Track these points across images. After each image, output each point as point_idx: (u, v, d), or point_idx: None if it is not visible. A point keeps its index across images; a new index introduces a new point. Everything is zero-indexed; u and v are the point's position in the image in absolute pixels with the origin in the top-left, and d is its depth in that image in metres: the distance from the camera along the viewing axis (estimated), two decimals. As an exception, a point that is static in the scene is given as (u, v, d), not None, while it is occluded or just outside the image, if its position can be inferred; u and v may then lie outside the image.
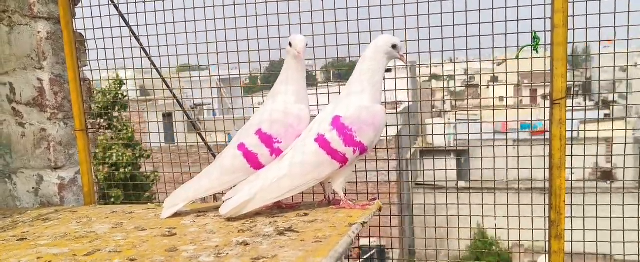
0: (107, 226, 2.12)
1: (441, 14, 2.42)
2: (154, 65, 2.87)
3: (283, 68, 2.21)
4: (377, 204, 2.18)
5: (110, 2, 2.83)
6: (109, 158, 10.15)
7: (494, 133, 3.02)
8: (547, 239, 2.33)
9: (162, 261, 1.61)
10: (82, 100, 2.76)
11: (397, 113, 3.91)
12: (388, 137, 2.82)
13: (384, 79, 2.20)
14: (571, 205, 2.40)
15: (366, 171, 2.71)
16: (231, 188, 2.10)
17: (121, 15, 2.78)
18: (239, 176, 2.10)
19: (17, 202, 2.85)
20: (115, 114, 10.86)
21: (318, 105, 2.70)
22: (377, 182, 2.77)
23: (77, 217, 2.34)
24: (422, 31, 2.48)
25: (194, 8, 2.69)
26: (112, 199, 9.39)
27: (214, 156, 2.96)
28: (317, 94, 2.76)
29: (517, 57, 2.35)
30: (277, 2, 2.60)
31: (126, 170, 9.43)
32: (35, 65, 2.70)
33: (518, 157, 2.57)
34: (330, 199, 2.20)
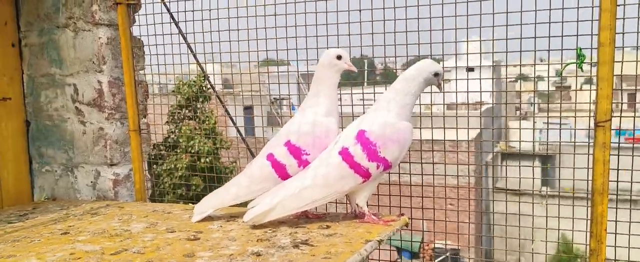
0: (142, 224, 2.25)
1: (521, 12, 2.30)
2: (198, 63, 2.99)
3: (316, 80, 2.23)
4: (404, 219, 2.17)
5: (167, 10, 2.97)
6: (191, 147, 10.61)
7: (588, 137, 2.78)
8: (586, 267, 2.21)
9: (177, 266, 1.69)
10: (136, 102, 2.93)
11: (478, 115, 3.78)
12: (469, 140, 2.75)
13: (417, 101, 2.16)
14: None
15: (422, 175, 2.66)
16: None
17: (174, 20, 2.92)
18: (267, 185, 2.15)
19: (77, 194, 3.08)
20: (199, 105, 11.36)
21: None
22: (439, 185, 2.71)
23: (121, 213, 2.50)
24: (510, 29, 2.38)
25: (275, 4, 2.74)
26: (193, 188, 9.87)
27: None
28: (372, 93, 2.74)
29: (560, 74, 2.23)
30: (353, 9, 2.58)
31: (207, 159, 9.84)
32: (96, 69, 2.90)
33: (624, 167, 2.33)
34: (356, 212, 2.21)
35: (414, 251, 10.96)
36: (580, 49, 2.14)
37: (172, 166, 10.23)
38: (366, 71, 3.25)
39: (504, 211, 2.75)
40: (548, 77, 2.61)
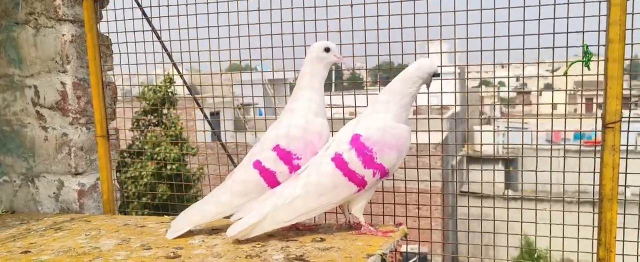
0: (113, 241, 2.01)
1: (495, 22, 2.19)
2: (176, 67, 2.77)
3: (304, 76, 2.04)
4: (402, 230, 2.00)
5: (139, 5, 2.74)
6: (157, 154, 10.28)
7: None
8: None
9: (156, 290, 1.48)
10: (103, 105, 2.69)
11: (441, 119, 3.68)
12: (432, 144, 2.62)
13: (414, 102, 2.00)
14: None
15: (394, 180, 2.51)
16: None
17: (146, 17, 2.69)
18: (254, 196, 1.95)
19: (39, 207, 2.81)
20: (165, 111, 11.04)
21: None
22: (417, 191, 2.57)
23: (88, 228, 2.26)
24: (474, 39, 2.27)
25: (238, 11, 2.56)
26: (158, 195, 9.53)
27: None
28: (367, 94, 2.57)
29: (565, 74, 2.11)
30: (326, 6, 2.42)
31: (173, 166, 9.52)
32: (59, 69, 2.65)
33: (583, 168, 2.23)
34: (350, 222, 2.03)
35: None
36: (587, 46, 2.01)
37: (137, 173, 9.89)
38: (333, 77, 3.08)
39: (470, 214, 2.69)
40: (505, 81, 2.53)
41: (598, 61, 2.04)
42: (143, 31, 2.77)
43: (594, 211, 2.12)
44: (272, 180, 1.96)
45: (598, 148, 2.05)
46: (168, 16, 2.68)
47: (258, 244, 1.86)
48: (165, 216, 2.43)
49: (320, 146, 1.96)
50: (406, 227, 2.03)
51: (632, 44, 1.97)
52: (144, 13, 2.70)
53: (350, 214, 1.98)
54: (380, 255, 1.71)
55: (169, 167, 9.43)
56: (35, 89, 2.72)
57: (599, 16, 2.00)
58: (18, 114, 2.77)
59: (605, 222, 2.02)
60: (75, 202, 2.73)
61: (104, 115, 2.69)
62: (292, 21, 2.46)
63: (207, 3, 2.57)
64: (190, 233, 2.03)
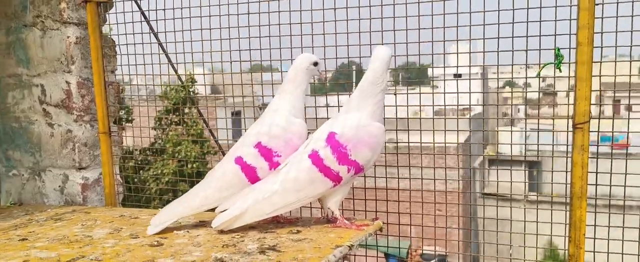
0: (106, 230, 2.15)
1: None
2: (173, 67, 2.90)
3: (290, 82, 2.15)
4: (377, 224, 2.10)
5: (139, 8, 2.87)
6: (178, 153, 10.48)
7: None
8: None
9: (134, 274, 1.60)
10: (105, 103, 2.83)
11: (458, 119, 3.71)
12: (451, 144, 2.63)
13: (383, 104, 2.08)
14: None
15: (416, 179, 2.54)
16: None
17: (146, 18, 2.82)
18: (234, 191, 2.06)
19: (45, 199, 2.97)
20: (186, 110, 11.24)
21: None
22: (433, 190, 2.62)
23: (86, 219, 2.40)
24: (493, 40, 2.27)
25: (259, 13, 2.59)
26: (180, 193, 9.71)
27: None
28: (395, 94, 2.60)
29: (538, 75, 2.18)
30: (346, 8, 2.44)
31: (194, 165, 9.70)
32: (64, 69, 2.80)
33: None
34: (328, 216, 2.13)
35: (401, 256, 10.91)
36: (559, 49, 2.08)
37: (159, 171, 10.11)
38: (354, 77, 3.15)
39: (491, 216, 2.66)
40: (521, 81, 2.55)
41: (632, 62, 2.06)
42: (162, 33, 2.80)
43: (624, 213, 2.15)
44: (252, 175, 2.06)
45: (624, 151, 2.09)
46: (190, 17, 2.71)
47: (238, 234, 1.97)
48: (160, 209, 2.56)
49: (299, 145, 2.07)
50: (382, 222, 2.12)
51: (601, 47, 2.02)
52: (143, 14, 2.83)
53: (327, 208, 2.08)
54: (348, 246, 1.81)
55: (189, 165, 9.62)
56: (42, 88, 2.88)
57: (570, 20, 2.06)
58: (26, 112, 2.94)
59: (575, 219, 2.09)
60: (79, 195, 2.88)
61: (106, 113, 2.84)
62: (312, 22, 2.49)
63: (228, 4, 2.61)
64: (178, 224, 2.16)
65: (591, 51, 2.00)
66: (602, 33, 2.01)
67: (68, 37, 2.78)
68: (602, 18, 2.01)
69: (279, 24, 2.55)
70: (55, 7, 2.76)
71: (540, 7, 2.12)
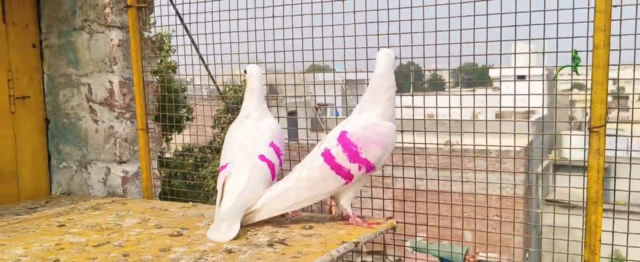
0: (135, 220, 2.31)
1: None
2: (206, 68, 3.04)
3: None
4: (390, 223, 2.15)
5: (175, 12, 3.04)
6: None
7: None
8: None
9: (149, 260, 1.74)
10: (144, 102, 3.01)
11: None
12: (516, 148, 2.50)
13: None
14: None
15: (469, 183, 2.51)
16: None
17: (182, 21, 2.98)
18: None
19: (90, 190, 3.20)
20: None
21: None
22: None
23: (121, 209, 2.58)
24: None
25: (322, 14, 2.57)
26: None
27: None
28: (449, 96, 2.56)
29: (555, 78, 2.16)
30: (410, 7, 2.37)
31: None
32: (108, 69, 3.01)
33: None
34: (343, 214, 2.20)
35: (456, 261, 10.78)
36: (576, 52, 2.06)
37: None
38: (413, 79, 3.15)
39: (553, 223, 2.48)
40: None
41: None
42: (218, 34, 2.80)
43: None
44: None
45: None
46: (246, 19, 2.75)
47: (253, 228, 2.08)
48: (190, 203, 2.70)
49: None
50: (395, 221, 2.17)
51: (620, 50, 1.99)
52: (179, 17, 2.99)
53: (340, 205, 2.15)
54: (354, 243, 1.88)
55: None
56: (89, 87, 3.10)
57: (588, 22, 2.04)
58: (75, 109, 3.17)
59: (590, 224, 2.07)
60: (120, 187, 3.08)
61: (144, 111, 3.02)
62: (366, 22, 2.47)
63: (283, 5, 2.64)
64: (202, 217, 2.29)
65: (607, 54, 1.97)
66: (620, 35, 1.99)
67: (111, 39, 2.98)
68: (620, 20, 1.98)
69: (332, 25, 2.54)
70: (100, 11, 2.97)
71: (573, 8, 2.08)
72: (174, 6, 2.96)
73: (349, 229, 2.04)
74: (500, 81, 2.64)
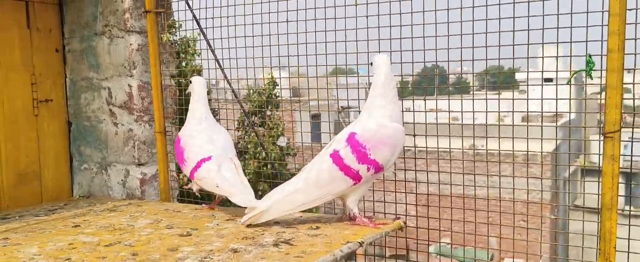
0: (147, 221, 2.35)
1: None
2: (224, 71, 3.08)
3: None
4: (397, 223, 2.15)
5: (193, 17, 3.09)
6: (259, 154, 10.88)
7: None
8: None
9: (156, 259, 1.76)
10: (162, 105, 3.06)
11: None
12: (538, 153, 2.37)
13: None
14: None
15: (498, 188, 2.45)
16: None
17: (199, 23, 3.02)
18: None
19: (110, 192, 3.26)
20: (268, 112, 11.66)
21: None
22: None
23: (136, 211, 2.62)
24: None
25: (345, 18, 2.57)
26: (259, 193, 10.08)
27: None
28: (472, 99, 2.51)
29: (569, 82, 2.13)
30: (435, 10, 2.34)
31: (275, 165, 10.02)
32: (127, 73, 3.07)
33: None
34: (350, 215, 2.20)
35: (480, 267, 10.62)
36: (590, 56, 2.03)
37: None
38: (437, 81, 3.13)
39: (581, 229, 2.49)
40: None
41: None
42: (242, 37, 2.84)
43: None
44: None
45: None
46: (269, 22, 2.76)
47: (261, 228, 2.09)
48: (200, 206, 2.73)
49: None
50: (402, 222, 2.17)
51: (635, 54, 1.95)
52: (197, 21, 3.03)
53: (348, 206, 2.15)
54: (358, 243, 1.87)
55: (269, 166, 9.95)
56: (109, 90, 3.17)
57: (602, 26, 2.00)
58: (96, 112, 3.24)
59: (605, 231, 2.02)
60: (138, 189, 3.14)
61: (162, 114, 3.07)
62: (390, 26, 2.45)
63: (306, 9, 2.64)
64: (212, 218, 2.32)
65: (622, 58, 1.93)
66: (635, 40, 1.95)
67: (131, 44, 3.04)
68: (635, 24, 1.94)
69: (356, 29, 2.53)
70: (120, 17, 3.04)
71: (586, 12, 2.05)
72: (191, 11, 3.01)
73: (355, 230, 2.04)
74: (528, 85, 2.59)
